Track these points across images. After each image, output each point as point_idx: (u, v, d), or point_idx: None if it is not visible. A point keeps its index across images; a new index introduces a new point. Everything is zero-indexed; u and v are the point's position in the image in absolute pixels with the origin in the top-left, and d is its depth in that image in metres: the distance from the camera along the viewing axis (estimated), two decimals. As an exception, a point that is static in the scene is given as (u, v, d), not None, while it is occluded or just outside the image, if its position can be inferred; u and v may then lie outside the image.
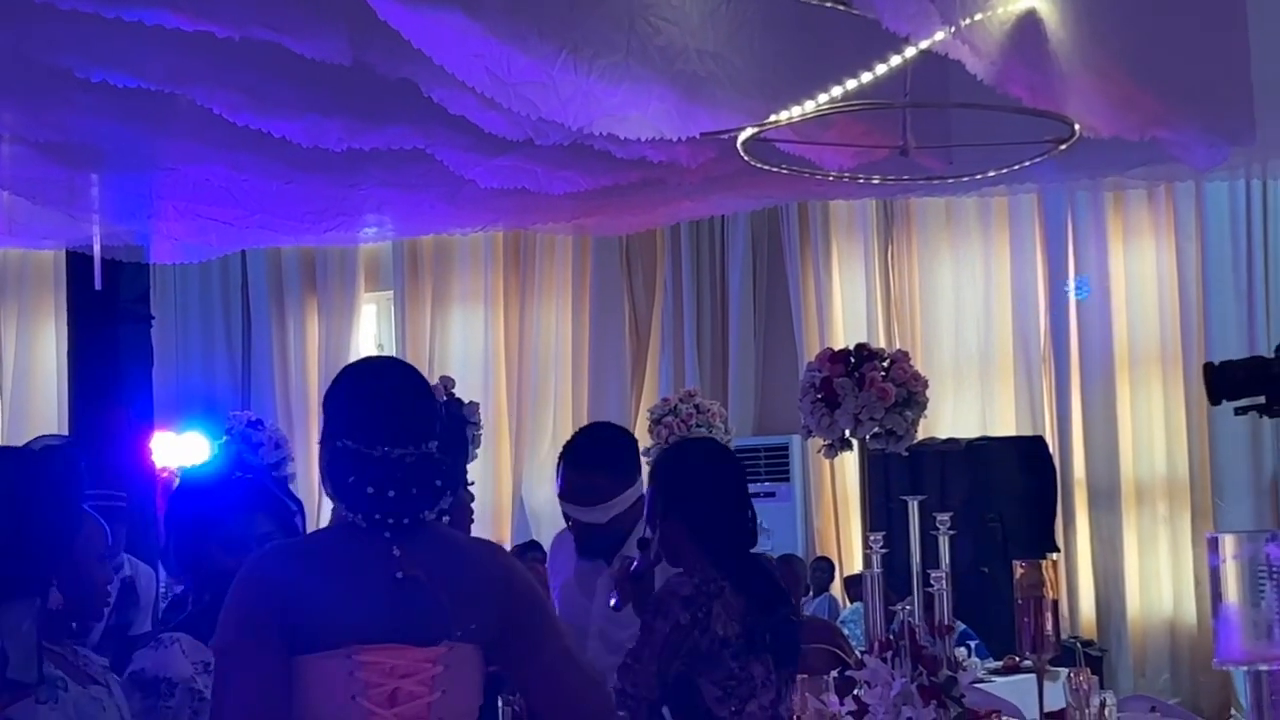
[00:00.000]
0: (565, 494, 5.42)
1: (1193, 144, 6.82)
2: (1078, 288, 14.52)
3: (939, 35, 4.67)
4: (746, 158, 6.36)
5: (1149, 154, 7.78)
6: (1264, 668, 2.51)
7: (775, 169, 6.72)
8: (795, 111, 5.68)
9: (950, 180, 7.76)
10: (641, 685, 4.55)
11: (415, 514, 3.64)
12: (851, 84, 5.53)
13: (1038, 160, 6.69)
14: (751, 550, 4.90)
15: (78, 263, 11.76)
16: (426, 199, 8.73)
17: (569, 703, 3.72)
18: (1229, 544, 2.54)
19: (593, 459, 5.37)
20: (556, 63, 5.11)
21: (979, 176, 7.41)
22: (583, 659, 3.86)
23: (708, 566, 4.71)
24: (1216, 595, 2.55)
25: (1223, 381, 4.12)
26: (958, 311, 15.20)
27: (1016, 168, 7.01)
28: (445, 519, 3.76)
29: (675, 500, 4.83)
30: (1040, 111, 5.77)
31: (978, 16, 4.68)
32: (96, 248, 9.64)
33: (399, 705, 3.57)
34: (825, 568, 14.15)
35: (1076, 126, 6.03)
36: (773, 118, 5.79)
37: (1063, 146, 6.28)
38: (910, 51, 5.29)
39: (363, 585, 3.61)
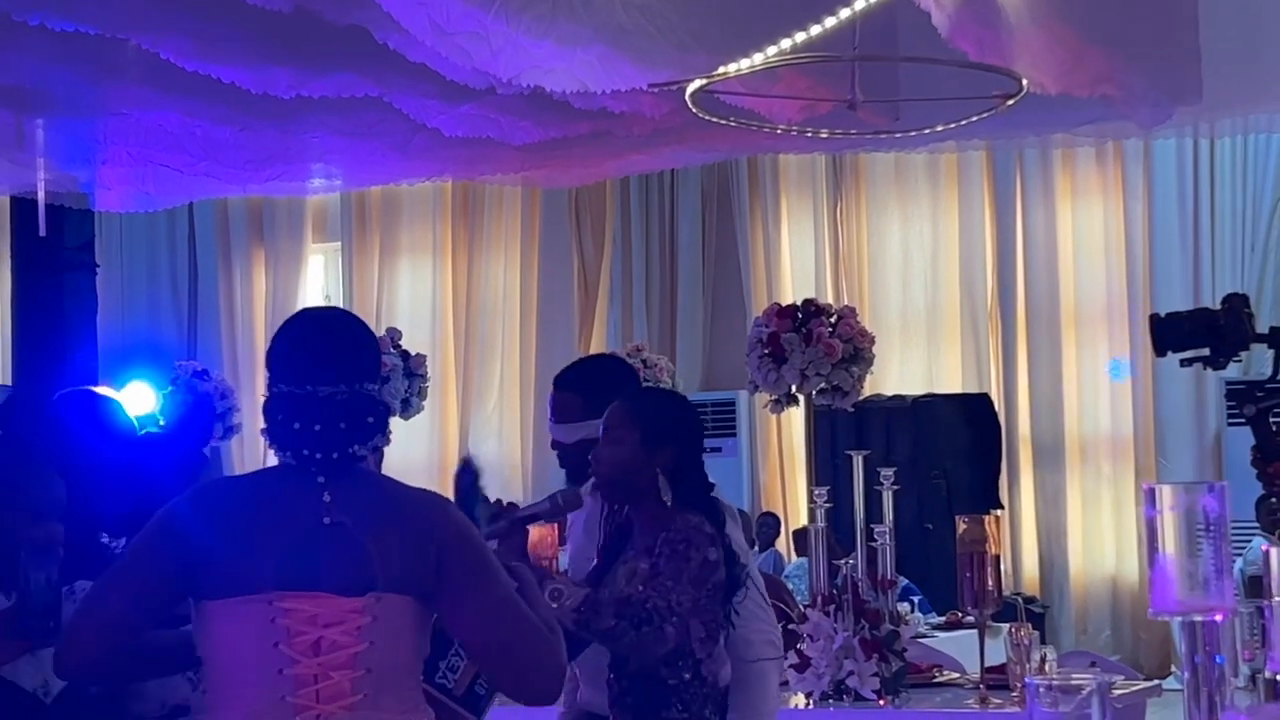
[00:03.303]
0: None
1: (1140, 102, 6.83)
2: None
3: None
4: (694, 110, 6.34)
5: (1097, 112, 7.80)
6: (1199, 618, 2.52)
7: (723, 121, 6.71)
8: (743, 64, 5.65)
9: (898, 135, 7.76)
10: (685, 605, 4.54)
11: (344, 449, 3.59)
12: (800, 37, 5.50)
13: (984, 116, 6.69)
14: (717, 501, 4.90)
15: (22, 209, 11.68)
16: (378, 148, 8.69)
17: (508, 650, 3.64)
18: (1166, 495, 2.55)
19: (569, 378, 5.38)
20: (489, 13, 5.09)
21: (926, 131, 7.40)
22: (533, 610, 3.78)
23: (690, 514, 4.70)
24: (1154, 547, 2.55)
25: (1168, 332, 4.14)
26: (905, 268, 15.25)
27: (964, 123, 7.01)
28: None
29: (679, 453, 4.80)
30: (988, 66, 5.76)
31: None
32: (41, 194, 9.56)
33: (323, 654, 3.51)
34: (771, 523, 14.19)
35: (1024, 82, 6.03)
36: (720, 70, 5.76)
37: (1010, 102, 6.28)
38: (859, 4, 5.28)
39: (287, 530, 3.56)
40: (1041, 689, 2.50)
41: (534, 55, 5.41)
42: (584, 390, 5.26)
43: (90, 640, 3.63)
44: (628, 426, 4.79)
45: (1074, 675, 2.62)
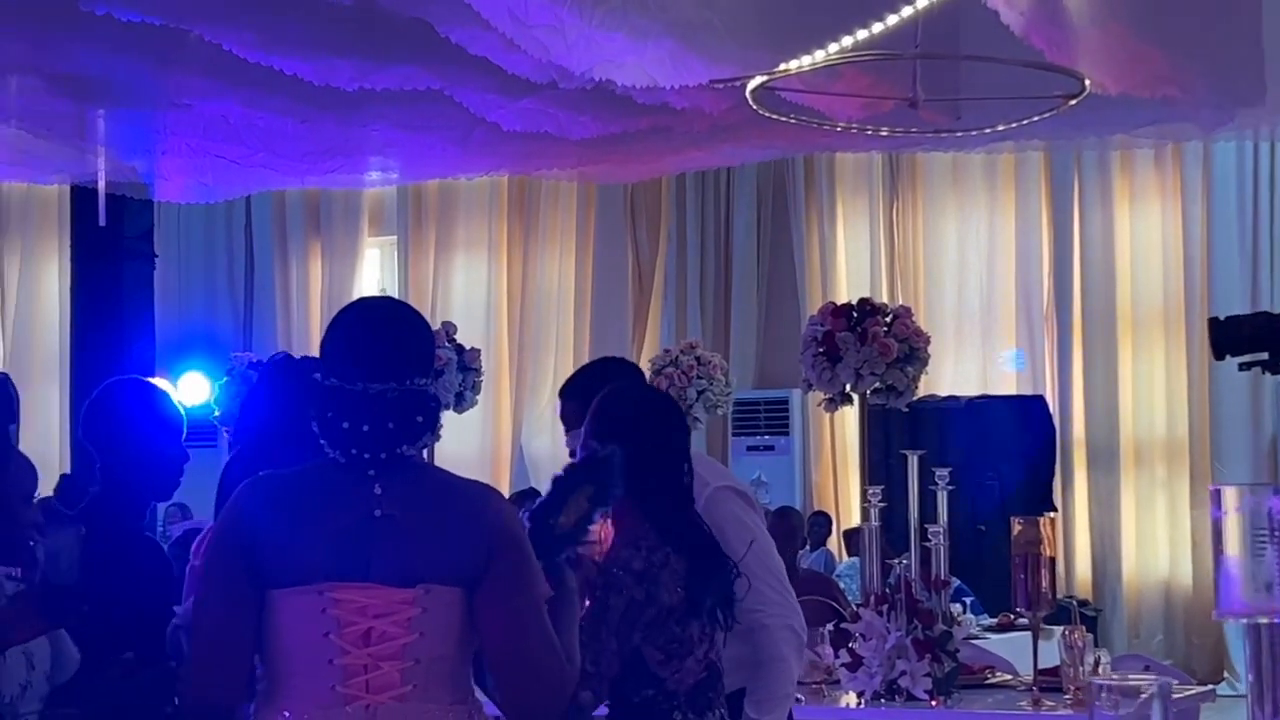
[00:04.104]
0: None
1: (1201, 104, 6.81)
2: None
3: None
4: (756, 107, 6.34)
5: (1157, 113, 7.77)
6: (1264, 620, 2.51)
7: (784, 118, 6.70)
8: (805, 61, 5.65)
9: (959, 134, 7.74)
10: (604, 663, 4.45)
11: (392, 449, 3.58)
12: (862, 35, 5.49)
13: (1046, 116, 6.67)
14: (687, 508, 4.73)
15: (82, 198, 11.75)
16: (437, 141, 8.71)
17: (523, 657, 3.62)
18: (1231, 496, 2.53)
19: (569, 385, 5.30)
20: (565, 6, 5.10)
21: (988, 131, 7.38)
22: (560, 634, 3.75)
23: (651, 533, 4.58)
24: (1218, 549, 2.54)
25: (1227, 336, 4.10)
26: (961, 268, 15.19)
27: (1025, 122, 6.99)
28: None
29: (612, 445, 4.63)
30: (1052, 66, 5.74)
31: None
32: (101, 183, 9.62)
33: (373, 645, 3.52)
34: (823, 522, 14.17)
35: (1087, 82, 6.01)
36: (782, 67, 5.76)
37: (1072, 102, 6.26)
38: (922, 2, 5.27)
39: (340, 522, 3.56)
40: (1103, 691, 2.49)
41: (606, 49, 5.43)
42: (581, 394, 5.17)
43: (208, 655, 3.63)
44: (584, 431, 4.67)
45: (1133, 678, 2.61)
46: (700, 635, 4.58)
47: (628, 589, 4.46)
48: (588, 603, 4.47)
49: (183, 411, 4.92)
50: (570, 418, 5.16)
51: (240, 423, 4.59)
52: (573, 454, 5.13)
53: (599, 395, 4.80)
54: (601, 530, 5.41)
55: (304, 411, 3.65)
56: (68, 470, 12.98)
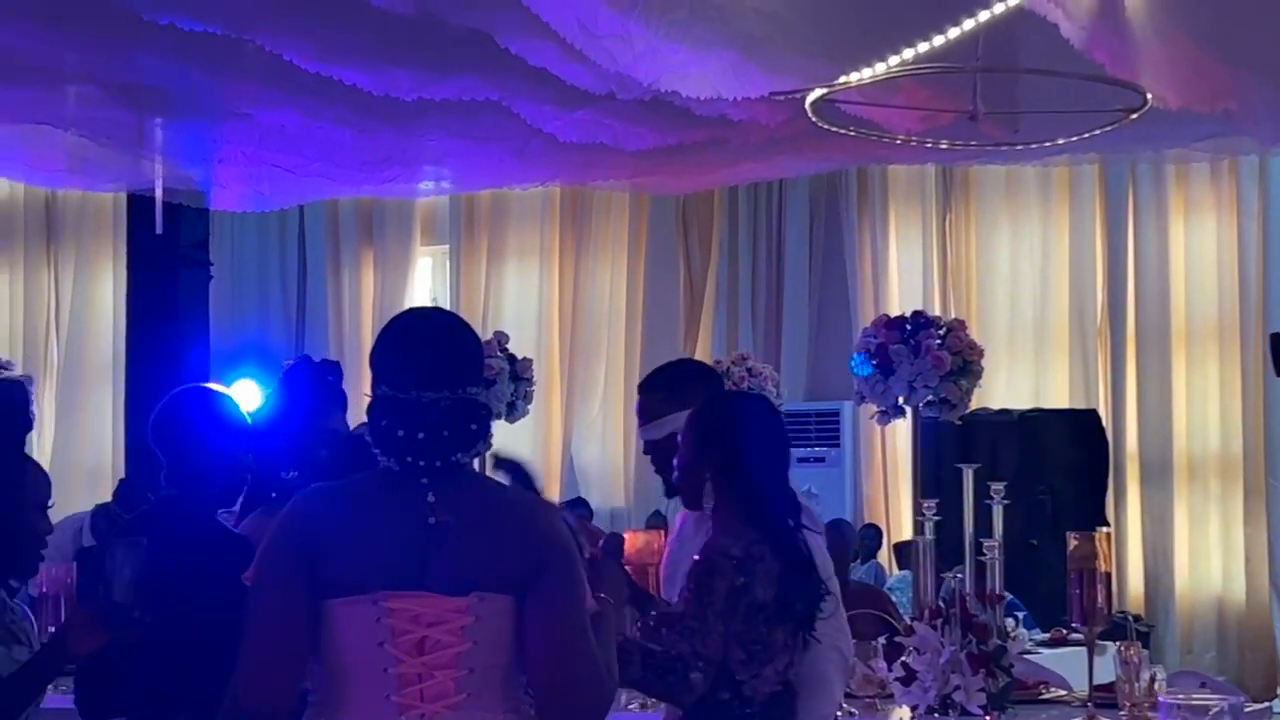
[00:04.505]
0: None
1: (1261, 117, 6.76)
2: None
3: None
4: (814, 119, 6.33)
5: (1215, 127, 7.73)
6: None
7: (843, 131, 6.69)
8: (866, 73, 5.64)
9: (1018, 147, 7.71)
10: (711, 645, 4.48)
11: (446, 457, 3.60)
12: (922, 47, 5.48)
13: (1107, 129, 6.63)
14: (789, 515, 4.79)
15: (139, 206, 11.81)
16: (494, 151, 8.73)
17: (563, 667, 3.62)
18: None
19: (651, 380, 5.43)
20: (633, 16, 5.12)
21: (1047, 144, 7.35)
22: (603, 649, 3.75)
23: (750, 529, 4.64)
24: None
25: (1289, 351, 4.08)
26: (1014, 281, 15.13)
27: (1085, 136, 6.96)
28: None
29: (723, 457, 4.74)
30: (1114, 80, 5.72)
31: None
32: (159, 192, 9.67)
33: (427, 654, 3.54)
34: (873, 535, 14.14)
35: (1149, 96, 5.98)
36: (841, 79, 5.76)
37: (1133, 116, 6.23)
38: (984, 15, 5.25)
39: (394, 531, 3.58)
40: (1173, 708, 2.48)
41: (671, 60, 5.45)
42: (667, 386, 5.31)
43: (259, 664, 3.61)
44: (688, 428, 4.77)
45: (1198, 697, 2.59)
46: (784, 644, 4.61)
47: (729, 574, 4.50)
48: (688, 591, 4.51)
49: (248, 419, 4.98)
50: (647, 411, 5.30)
51: (265, 425, 4.63)
52: (646, 448, 5.25)
53: (700, 402, 4.89)
54: (656, 540, 5.43)
55: (322, 410, 3.69)
56: (122, 476, 13.06)
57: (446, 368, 3.65)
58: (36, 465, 4.66)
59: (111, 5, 6.36)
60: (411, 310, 4.09)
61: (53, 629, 5.50)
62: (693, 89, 5.73)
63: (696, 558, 4.60)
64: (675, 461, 4.88)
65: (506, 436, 10.61)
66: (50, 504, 4.52)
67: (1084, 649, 6.69)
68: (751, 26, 5.33)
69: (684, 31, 5.23)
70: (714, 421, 4.78)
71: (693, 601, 4.50)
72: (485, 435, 3.69)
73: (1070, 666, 7.62)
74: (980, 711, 6.47)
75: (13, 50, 7.27)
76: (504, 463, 4.31)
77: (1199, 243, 14.50)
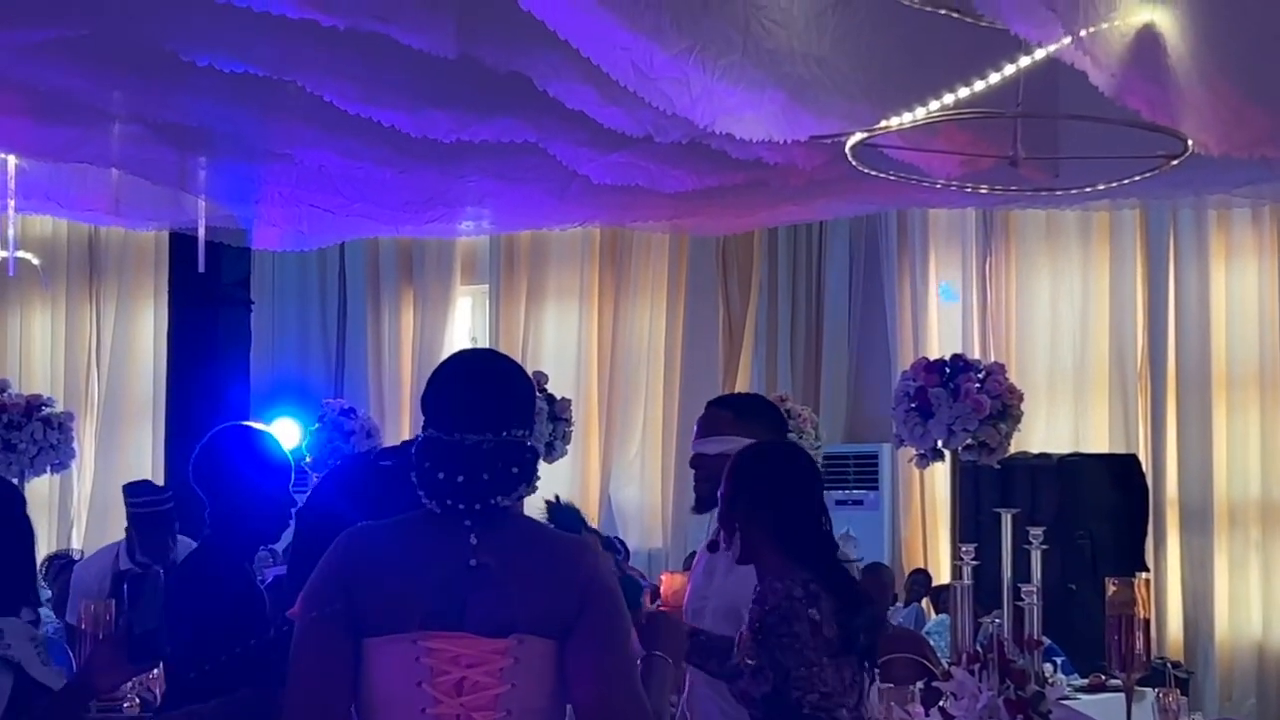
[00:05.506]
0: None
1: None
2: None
3: (1063, 41, 4.65)
4: (855, 163, 6.34)
5: (1254, 173, 7.70)
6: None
7: (883, 175, 6.70)
8: (906, 118, 5.66)
9: (1059, 192, 7.70)
10: (830, 680, 4.53)
11: (487, 500, 3.60)
12: (963, 92, 5.50)
13: (1148, 175, 6.62)
14: (831, 553, 4.86)
15: (181, 244, 11.88)
16: (534, 192, 8.77)
17: (608, 713, 3.59)
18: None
19: (725, 398, 5.52)
20: (689, 59, 5.15)
21: (1087, 190, 7.34)
22: (652, 699, 3.74)
23: (795, 570, 4.66)
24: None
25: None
26: (1054, 325, 15.08)
27: (1126, 182, 6.94)
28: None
29: (760, 504, 4.78)
30: (1154, 126, 5.71)
31: (1101, 26, 4.65)
32: (201, 230, 9.73)
33: (465, 695, 3.52)
34: (923, 580, 13.96)
35: (1190, 142, 5.97)
36: (883, 123, 5.77)
37: (1174, 162, 6.21)
38: (1024, 60, 5.26)
39: (434, 572, 3.57)
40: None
41: (727, 103, 5.48)
42: (738, 408, 5.38)
43: (303, 705, 3.61)
44: (728, 477, 4.82)
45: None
46: (851, 681, 4.62)
47: (802, 613, 4.53)
48: (776, 650, 4.53)
49: (290, 457, 5.01)
50: (709, 425, 5.41)
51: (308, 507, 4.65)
52: (694, 460, 5.30)
53: (739, 451, 4.94)
54: (668, 583, 5.43)
55: (376, 500, 3.73)
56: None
57: (489, 410, 3.65)
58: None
59: (155, 46, 6.41)
60: (460, 352, 4.09)
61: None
62: (747, 131, 5.76)
63: (749, 617, 4.60)
64: (719, 492, 4.93)
65: (545, 476, 10.69)
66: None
67: (1123, 695, 6.64)
68: (800, 70, 5.36)
69: (739, 74, 5.26)
70: (752, 475, 4.83)
71: (789, 653, 4.51)
72: (528, 478, 3.68)
73: (1109, 713, 7.57)
74: (1018, 757, 6.43)
75: (58, 90, 7.34)
76: (557, 510, 4.36)
77: (1240, 287, 14.45)
